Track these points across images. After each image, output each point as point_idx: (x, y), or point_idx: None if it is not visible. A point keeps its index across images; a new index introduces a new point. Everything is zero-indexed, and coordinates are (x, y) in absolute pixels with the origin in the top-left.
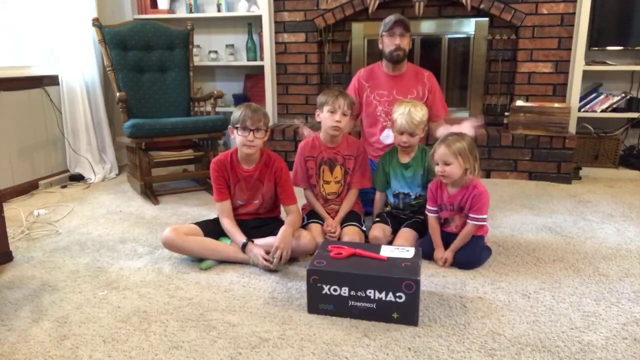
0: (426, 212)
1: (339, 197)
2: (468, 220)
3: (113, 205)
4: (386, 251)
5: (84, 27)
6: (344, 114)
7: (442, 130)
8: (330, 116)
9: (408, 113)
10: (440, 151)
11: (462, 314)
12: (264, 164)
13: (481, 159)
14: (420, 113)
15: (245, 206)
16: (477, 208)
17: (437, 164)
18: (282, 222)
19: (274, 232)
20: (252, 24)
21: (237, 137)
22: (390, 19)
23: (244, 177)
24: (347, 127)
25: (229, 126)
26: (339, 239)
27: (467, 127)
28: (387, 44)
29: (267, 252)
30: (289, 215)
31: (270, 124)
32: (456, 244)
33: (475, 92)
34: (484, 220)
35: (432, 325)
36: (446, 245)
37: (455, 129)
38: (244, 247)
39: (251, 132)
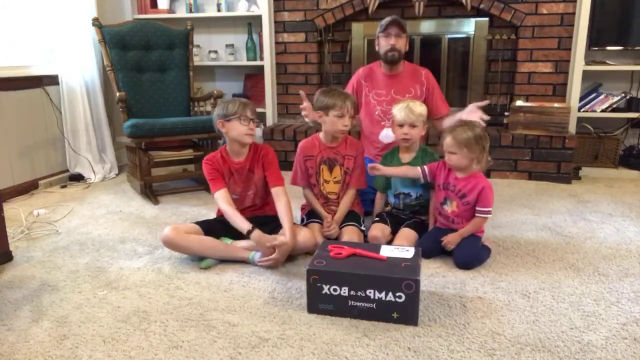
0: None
1: (338, 198)
2: (476, 214)
3: (113, 205)
4: (386, 251)
5: (83, 27)
6: (351, 117)
7: (448, 121)
8: (338, 120)
9: (407, 106)
10: (447, 141)
11: (462, 313)
12: (253, 154)
13: None
14: (419, 107)
15: (241, 200)
16: (484, 203)
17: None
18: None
19: (274, 232)
20: (252, 23)
21: (234, 129)
22: (386, 20)
23: (236, 170)
24: None
25: (219, 121)
26: (337, 238)
27: (472, 108)
28: (383, 45)
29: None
30: (278, 202)
31: (270, 123)
32: (464, 231)
33: (475, 92)
34: (489, 212)
35: (432, 325)
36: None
37: (463, 115)
38: (249, 233)
39: (251, 121)
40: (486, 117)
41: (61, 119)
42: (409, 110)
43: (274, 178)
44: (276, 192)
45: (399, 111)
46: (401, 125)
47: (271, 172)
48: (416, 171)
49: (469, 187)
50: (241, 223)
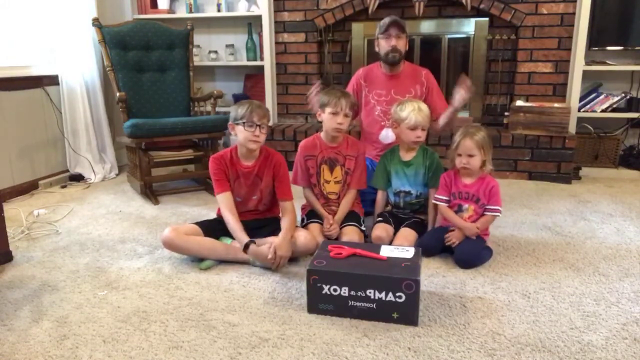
0: (435, 201)
1: (339, 198)
2: (486, 212)
3: (113, 205)
4: (386, 251)
5: (84, 27)
6: (346, 115)
7: (442, 119)
8: (332, 118)
9: (419, 108)
10: (466, 145)
11: (462, 314)
12: (264, 160)
13: None
14: (425, 107)
15: (244, 203)
16: (493, 200)
17: (460, 155)
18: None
19: (274, 233)
20: (252, 23)
21: (240, 133)
22: (385, 21)
23: (243, 174)
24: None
25: (229, 123)
26: (338, 238)
27: (460, 92)
28: (383, 46)
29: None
30: (285, 216)
31: (270, 123)
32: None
33: (475, 92)
34: (499, 211)
35: (432, 325)
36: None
37: (453, 105)
38: (246, 247)
39: (257, 127)
40: (468, 93)
41: (61, 119)
42: (421, 111)
43: (284, 192)
44: (285, 206)
45: (411, 113)
46: (415, 128)
47: (281, 185)
48: (471, 226)
49: (482, 189)
50: (241, 236)
